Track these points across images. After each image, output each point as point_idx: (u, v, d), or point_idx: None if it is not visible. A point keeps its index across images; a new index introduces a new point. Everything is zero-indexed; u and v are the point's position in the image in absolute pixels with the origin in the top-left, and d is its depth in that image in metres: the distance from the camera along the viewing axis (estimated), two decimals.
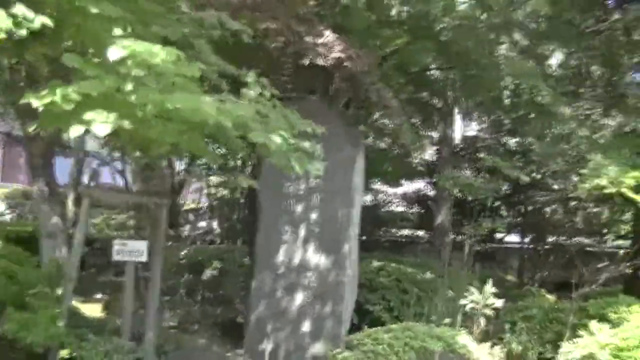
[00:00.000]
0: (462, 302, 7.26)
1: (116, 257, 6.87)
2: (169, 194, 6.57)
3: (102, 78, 3.81)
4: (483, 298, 7.11)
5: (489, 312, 7.07)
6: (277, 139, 4.56)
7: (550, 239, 16.21)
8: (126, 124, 3.78)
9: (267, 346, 7.51)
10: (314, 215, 7.55)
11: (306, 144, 4.90)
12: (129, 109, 3.99)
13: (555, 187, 14.89)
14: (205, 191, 16.57)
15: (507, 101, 15.73)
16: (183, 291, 9.37)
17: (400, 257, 12.63)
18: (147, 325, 6.73)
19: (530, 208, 16.04)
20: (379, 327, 6.28)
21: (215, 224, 16.45)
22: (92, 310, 9.05)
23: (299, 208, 7.59)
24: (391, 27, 9.57)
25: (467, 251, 8.47)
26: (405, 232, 18.19)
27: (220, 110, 4.13)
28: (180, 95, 3.93)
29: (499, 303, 7.14)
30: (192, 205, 18.08)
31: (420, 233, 17.86)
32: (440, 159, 15.58)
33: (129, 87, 3.86)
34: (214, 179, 16.12)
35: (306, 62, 6.90)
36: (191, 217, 17.95)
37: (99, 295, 9.77)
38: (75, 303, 9.29)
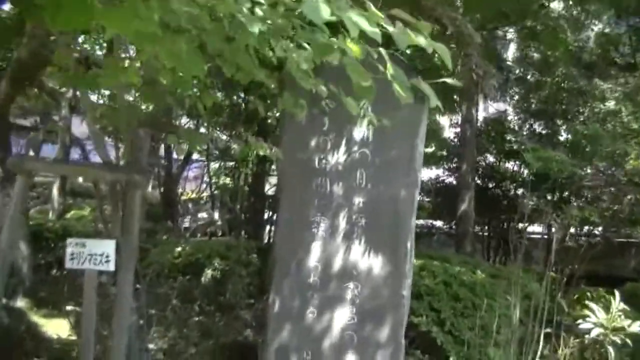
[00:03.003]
0: (583, 326, 4.56)
1: (70, 265, 4.11)
2: (147, 170, 3.74)
3: None
4: (610, 319, 4.43)
5: (619, 339, 4.38)
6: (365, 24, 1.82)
7: (577, 230, 13.57)
8: None
9: None
10: (359, 200, 4.77)
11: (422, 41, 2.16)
12: None
13: (588, 171, 12.26)
14: (205, 179, 13.83)
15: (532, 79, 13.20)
16: (176, 301, 6.55)
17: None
18: None
19: (557, 195, 13.29)
20: None
21: (217, 215, 13.76)
22: (61, 327, 6.31)
23: (338, 190, 4.79)
24: None
25: (554, 247, 5.70)
26: (420, 221, 15.42)
27: None
28: None
29: (637, 327, 4.42)
30: (192, 195, 15.39)
31: (438, 223, 15.10)
32: (464, 142, 12.80)
33: None
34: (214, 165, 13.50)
35: None
36: (191, 207, 15.32)
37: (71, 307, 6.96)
38: (39, 319, 6.60)
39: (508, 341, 6.11)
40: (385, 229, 4.74)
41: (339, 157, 4.80)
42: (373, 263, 4.69)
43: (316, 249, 4.79)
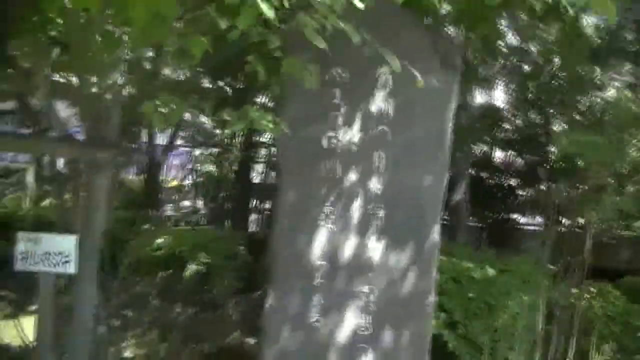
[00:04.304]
0: None
1: (21, 266, 3.19)
2: (114, 147, 2.79)
3: None
4: None
5: None
6: None
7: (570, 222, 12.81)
8: None
9: None
10: (376, 186, 3.86)
11: None
12: None
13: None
14: (189, 166, 12.94)
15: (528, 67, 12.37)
16: (156, 301, 5.60)
17: None
18: None
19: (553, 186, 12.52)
20: None
21: (200, 204, 12.89)
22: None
23: (351, 175, 3.89)
24: None
25: (588, 246, 4.89)
26: None
27: None
28: None
29: None
30: (175, 183, 14.48)
31: None
32: (458, 129, 11.92)
33: None
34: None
35: None
36: (174, 195, 14.38)
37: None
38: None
39: (531, 347, 5.34)
40: (407, 222, 3.83)
41: (352, 135, 3.89)
42: (392, 263, 3.79)
43: (323, 244, 3.88)
